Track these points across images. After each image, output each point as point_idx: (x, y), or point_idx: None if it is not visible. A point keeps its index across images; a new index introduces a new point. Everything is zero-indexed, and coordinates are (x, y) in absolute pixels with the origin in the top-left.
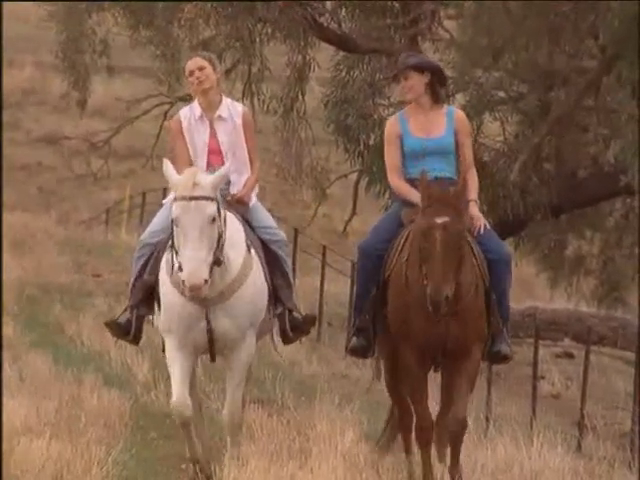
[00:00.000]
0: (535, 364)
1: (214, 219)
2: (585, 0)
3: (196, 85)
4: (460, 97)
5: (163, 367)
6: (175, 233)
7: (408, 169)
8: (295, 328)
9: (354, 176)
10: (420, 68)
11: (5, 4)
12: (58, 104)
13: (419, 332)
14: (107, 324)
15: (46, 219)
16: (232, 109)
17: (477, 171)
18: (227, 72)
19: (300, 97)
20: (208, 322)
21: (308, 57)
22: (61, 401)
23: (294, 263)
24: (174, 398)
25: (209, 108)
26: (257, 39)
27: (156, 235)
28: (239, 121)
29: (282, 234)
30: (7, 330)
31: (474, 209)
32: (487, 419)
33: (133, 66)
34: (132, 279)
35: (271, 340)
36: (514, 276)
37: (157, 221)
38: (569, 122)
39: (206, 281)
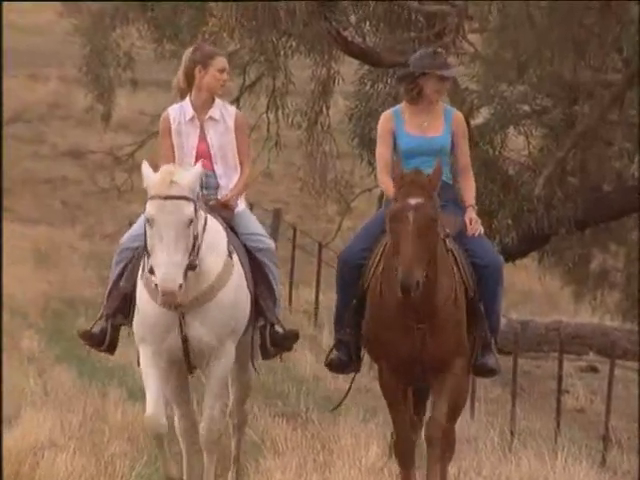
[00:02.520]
0: (559, 378)
1: (191, 220)
2: (608, 13)
3: (220, 86)
4: (484, 111)
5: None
6: (149, 234)
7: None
8: (276, 343)
9: (378, 190)
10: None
11: (29, 17)
12: (82, 118)
13: (394, 346)
14: (80, 334)
15: (70, 233)
16: (224, 111)
17: (502, 185)
18: (251, 86)
19: (324, 111)
20: (182, 330)
21: (332, 71)
22: (85, 415)
23: (318, 277)
24: (147, 411)
25: (202, 108)
26: (281, 53)
27: (137, 239)
28: (231, 123)
29: (270, 242)
30: (32, 344)
31: (471, 213)
32: (512, 433)
33: (157, 80)
34: (109, 286)
35: (250, 353)
36: (539, 290)
37: (138, 225)
38: (593, 136)
39: (181, 286)
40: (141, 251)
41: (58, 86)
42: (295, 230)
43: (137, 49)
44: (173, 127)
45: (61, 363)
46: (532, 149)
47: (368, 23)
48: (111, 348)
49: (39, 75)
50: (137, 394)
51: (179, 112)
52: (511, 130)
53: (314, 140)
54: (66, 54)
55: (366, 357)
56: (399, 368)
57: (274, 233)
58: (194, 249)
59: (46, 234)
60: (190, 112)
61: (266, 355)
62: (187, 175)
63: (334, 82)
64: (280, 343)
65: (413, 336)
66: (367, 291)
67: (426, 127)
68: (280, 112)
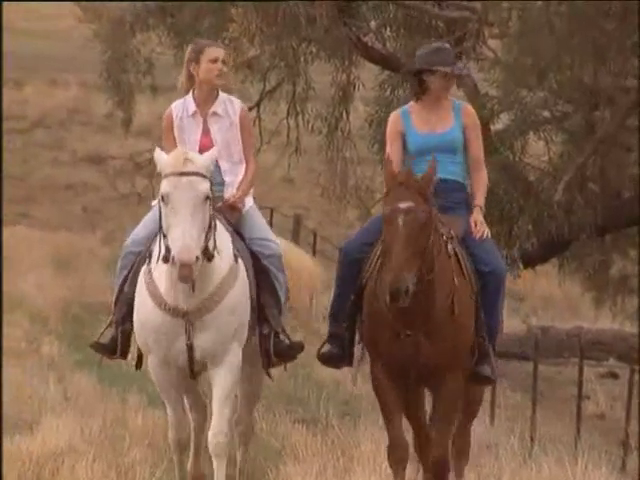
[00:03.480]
0: (580, 384)
1: (207, 197)
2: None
3: (215, 76)
4: (505, 117)
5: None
6: (164, 213)
7: (413, 167)
8: (280, 353)
9: None
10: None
11: (51, 22)
12: (103, 124)
13: (387, 347)
14: (92, 345)
15: (91, 239)
16: (229, 105)
17: (522, 191)
18: (271, 91)
19: (344, 116)
20: (188, 337)
21: (352, 76)
22: (105, 421)
23: None
24: (170, 418)
25: (204, 103)
26: (301, 58)
27: (140, 243)
28: (236, 119)
29: (276, 247)
30: (52, 349)
31: (478, 215)
32: (532, 439)
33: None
34: (115, 292)
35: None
36: (560, 295)
37: (142, 227)
38: (613, 142)
39: (197, 259)
40: (144, 256)
41: (78, 92)
42: (315, 236)
43: (157, 55)
44: (175, 123)
45: (81, 369)
46: (552, 155)
47: (388, 29)
48: (124, 355)
49: (59, 81)
50: (157, 400)
51: (182, 107)
52: (531, 136)
53: (334, 146)
54: (86, 60)
55: None
56: (392, 370)
57: (294, 238)
58: (210, 230)
59: (66, 240)
60: (192, 107)
61: (268, 364)
62: (201, 155)
63: (354, 88)
64: (284, 353)
65: (404, 341)
66: (365, 287)
67: (435, 123)
68: (300, 118)
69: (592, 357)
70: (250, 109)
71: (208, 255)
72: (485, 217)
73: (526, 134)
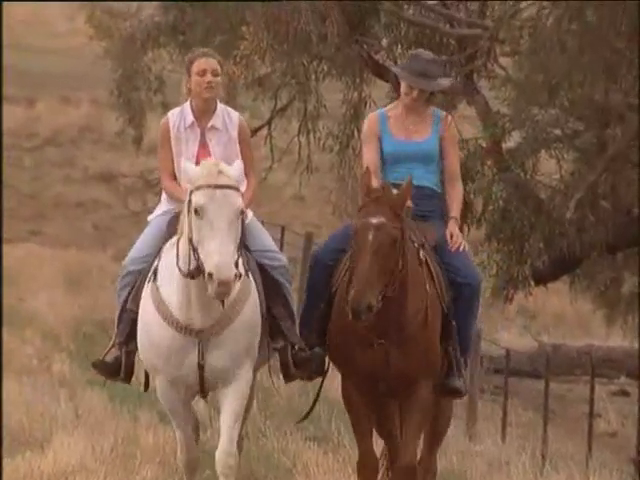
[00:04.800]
0: (591, 402)
1: (241, 211)
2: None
3: (204, 90)
4: (516, 134)
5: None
6: (196, 225)
7: (386, 174)
8: (299, 364)
9: None
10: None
11: (63, 40)
12: (114, 141)
13: (356, 359)
14: (95, 365)
15: (102, 256)
16: (227, 119)
17: (533, 209)
18: (283, 109)
19: (356, 134)
20: (202, 356)
21: (364, 94)
22: (117, 439)
23: None
24: (179, 438)
25: (202, 115)
26: (313, 76)
27: (141, 262)
28: (235, 133)
29: (283, 258)
30: (63, 367)
31: (454, 227)
32: (543, 457)
33: None
34: (117, 312)
35: (269, 375)
36: (571, 313)
37: (141, 245)
38: (624, 160)
39: (236, 276)
40: (145, 274)
41: (89, 109)
42: None
43: (168, 72)
44: (172, 133)
45: (92, 386)
46: (563, 173)
47: (399, 46)
48: (127, 377)
49: (71, 98)
50: (168, 418)
51: (179, 117)
52: (542, 154)
53: (346, 163)
54: (97, 77)
55: None
56: (362, 382)
57: (306, 256)
58: (241, 246)
59: (77, 257)
60: (190, 118)
61: (288, 377)
62: (232, 168)
63: (365, 105)
64: (304, 364)
65: (374, 351)
66: (334, 295)
67: (412, 130)
68: (311, 135)
69: (603, 375)
70: (261, 127)
71: (237, 274)
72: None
73: (537, 152)
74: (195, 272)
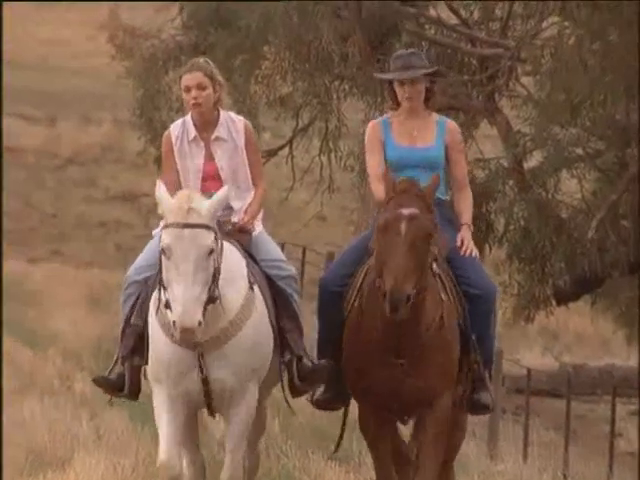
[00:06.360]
0: (612, 422)
1: (211, 251)
2: None
3: (192, 106)
4: (537, 154)
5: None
6: (164, 266)
7: None
8: (304, 377)
9: None
10: (428, 74)
11: (85, 60)
12: (135, 161)
13: (373, 382)
14: (96, 381)
15: (124, 276)
16: (231, 126)
17: (555, 228)
18: (304, 129)
19: None
20: (202, 371)
21: (385, 113)
22: (138, 459)
23: None
24: (161, 456)
25: (204, 128)
26: (334, 96)
27: (144, 270)
28: (241, 142)
29: (291, 269)
30: (84, 387)
31: (466, 232)
32: (564, 477)
33: None
34: (121, 325)
35: (282, 392)
36: (592, 333)
37: (145, 255)
38: None
39: (200, 323)
40: (151, 284)
41: (111, 129)
42: None
43: None
44: (175, 147)
45: (113, 406)
46: (585, 192)
47: None
48: (133, 393)
49: (92, 118)
50: None
51: (181, 130)
52: (564, 173)
53: (367, 183)
54: (119, 97)
55: None
56: (379, 403)
57: None
58: (214, 282)
59: (99, 277)
60: (193, 131)
61: (295, 392)
62: (207, 202)
63: None
64: (309, 377)
65: (393, 372)
66: (346, 320)
67: (416, 137)
68: (333, 155)
69: (624, 394)
70: (282, 146)
71: (212, 300)
72: (474, 235)
73: (559, 171)
74: (167, 305)
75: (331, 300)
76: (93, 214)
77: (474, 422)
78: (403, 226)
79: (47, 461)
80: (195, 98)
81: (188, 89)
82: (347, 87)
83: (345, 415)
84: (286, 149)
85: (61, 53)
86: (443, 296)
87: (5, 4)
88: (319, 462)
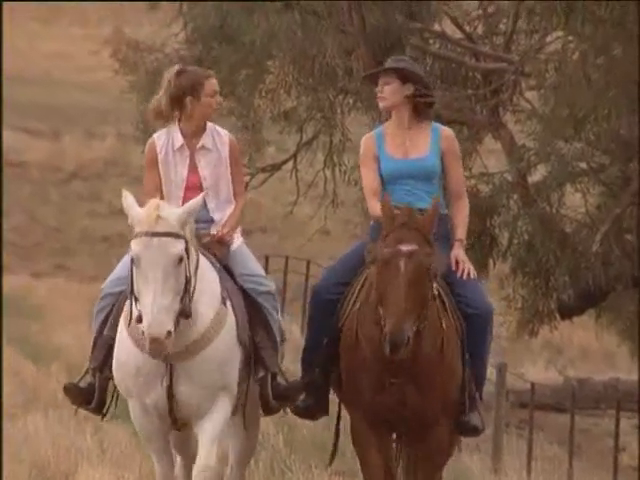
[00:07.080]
0: (617, 436)
1: (181, 259)
2: None
3: (211, 110)
4: (541, 168)
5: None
6: (135, 276)
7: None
8: (278, 396)
9: None
10: (403, 75)
11: (88, 74)
12: (139, 175)
13: (370, 397)
14: (66, 388)
15: None
16: (217, 137)
17: (559, 242)
18: (308, 143)
19: None
20: (170, 383)
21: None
22: (141, 473)
23: None
24: (157, 470)
25: (193, 135)
26: (338, 110)
27: (120, 283)
28: (225, 153)
29: (270, 284)
30: None
31: (459, 250)
32: None
33: None
34: (93, 336)
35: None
36: (596, 347)
37: (120, 269)
38: None
39: (170, 333)
40: (124, 296)
41: (115, 143)
42: None
43: None
44: (160, 157)
45: (117, 420)
46: (589, 206)
47: None
48: (99, 407)
49: (96, 133)
50: None
51: (166, 140)
52: (568, 187)
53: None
54: (123, 112)
55: None
56: (375, 423)
57: None
58: (187, 292)
59: None
60: (179, 140)
61: (268, 410)
62: (177, 210)
63: None
64: (283, 395)
65: (389, 390)
66: (342, 330)
67: (408, 147)
68: (337, 169)
69: (628, 409)
70: (286, 160)
71: (185, 314)
72: (468, 252)
73: (563, 186)
74: (139, 319)
75: (324, 308)
76: (97, 228)
77: (479, 437)
78: (402, 264)
79: (51, 475)
80: (219, 103)
81: (215, 93)
82: (351, 101)
83: (337, 428)
84: (290, 163)
85: (65, 68)
86: (444, 322)
87: (10, 20)
88: (323, 476)
